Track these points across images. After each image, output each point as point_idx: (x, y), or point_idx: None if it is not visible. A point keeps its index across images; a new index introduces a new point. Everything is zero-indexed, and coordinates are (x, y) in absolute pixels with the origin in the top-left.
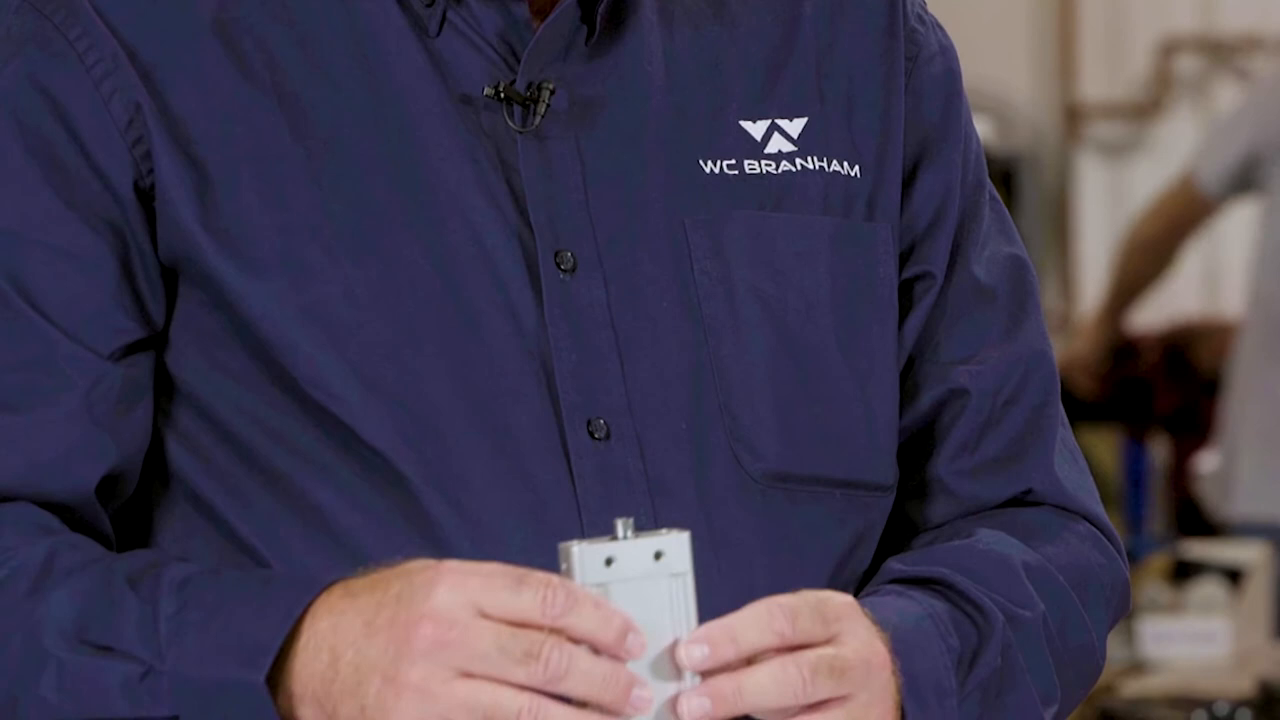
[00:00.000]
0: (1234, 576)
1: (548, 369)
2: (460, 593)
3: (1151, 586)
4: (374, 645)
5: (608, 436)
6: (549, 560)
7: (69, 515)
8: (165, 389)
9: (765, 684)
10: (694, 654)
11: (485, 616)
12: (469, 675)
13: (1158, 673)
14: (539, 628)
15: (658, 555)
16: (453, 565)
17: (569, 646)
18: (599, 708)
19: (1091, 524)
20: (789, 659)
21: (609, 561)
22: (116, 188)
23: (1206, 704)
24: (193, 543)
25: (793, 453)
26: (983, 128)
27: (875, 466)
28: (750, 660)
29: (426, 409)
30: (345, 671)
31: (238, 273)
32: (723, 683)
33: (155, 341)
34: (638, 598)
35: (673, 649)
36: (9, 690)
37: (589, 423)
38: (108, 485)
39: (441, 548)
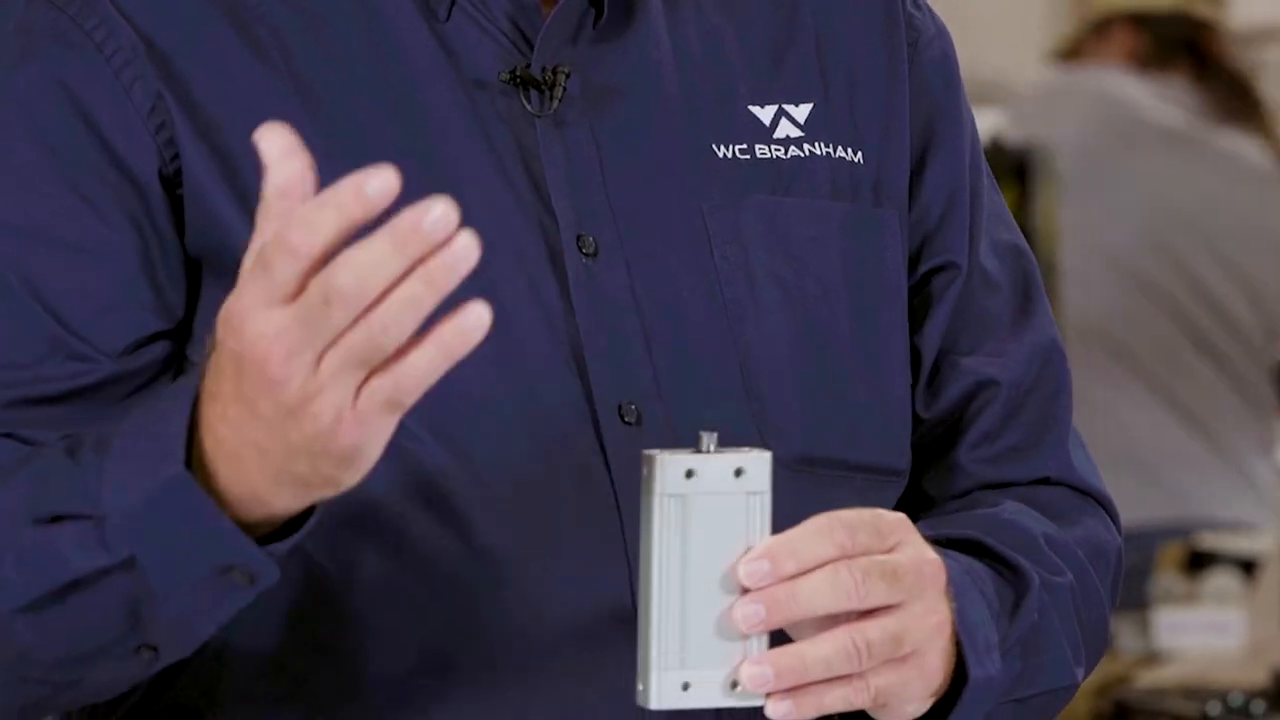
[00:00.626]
0: (1248, 567)
1: (576, 354)
2: (257, 313)
3: (1166, 577)
4: (242, 398)
5: (639, 421)
6: (586, 548)
7: None
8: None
9: (819, 588)
10: (755, 569)
11: (278, 307)
12: (323, 352)
13: (1172, 663)
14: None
15: (738, 472)
16: (234, 306)
17: (341, 257)
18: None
19: (1099, 504)
20: (842, 564)
21: (689, 474)
22: (139, 177)
23: (1221, 694)
24: None
25: (815, 437)
26: (997, 120)
27: (890, 451)
28: None
29: (456, 397)
30: (250, 443)
31: None
32: (777, 590)
33: (176, 333)
34: (714, 512)
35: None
36: None
37: (620, 407)
38: None
39: (476, 536)
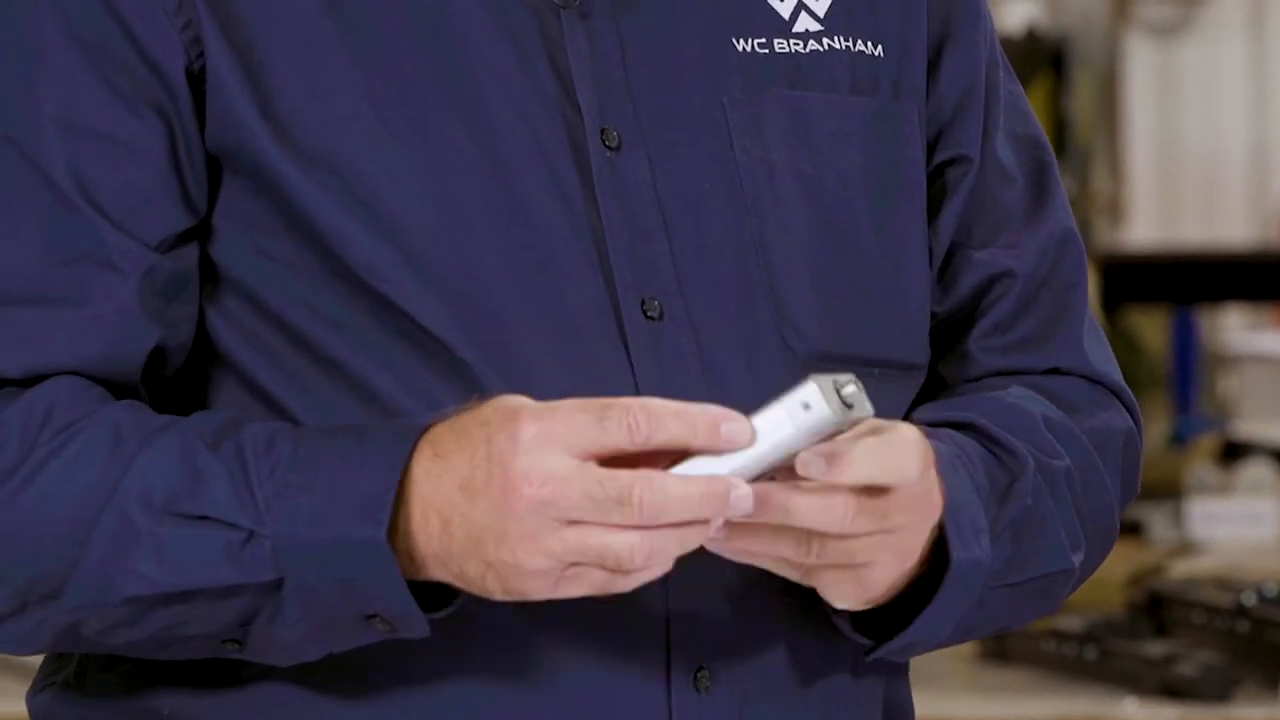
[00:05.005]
0: None
1: (599, 248)
2: (547, 442)
3: (1200, 467)
4: (478, 509)
5: (661, 316)
6: None
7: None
8: (213, 278)
9: (813, 507)
10: (813, 462)
11: (577, 457)
12: (574, 523)
13: (1206, 554)
14: (633, 455)
15: (805, 405)
16: (531, 411)
17: (657, 480)
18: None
19: (1115, 395)
20: (841, 494)
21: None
22: (165, 73)
23: (1255, 585)
24: None
25: (833, 332)
26: (1032, 9)
27: (909, 346)
28: None
29: (482, 294)
30: (459, 535)
31: (288, 160)
32: (777, 492)
33: (200, 230)
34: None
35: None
36: (100, 568)
37: (643, 302)
38: (152, 371)
39: None
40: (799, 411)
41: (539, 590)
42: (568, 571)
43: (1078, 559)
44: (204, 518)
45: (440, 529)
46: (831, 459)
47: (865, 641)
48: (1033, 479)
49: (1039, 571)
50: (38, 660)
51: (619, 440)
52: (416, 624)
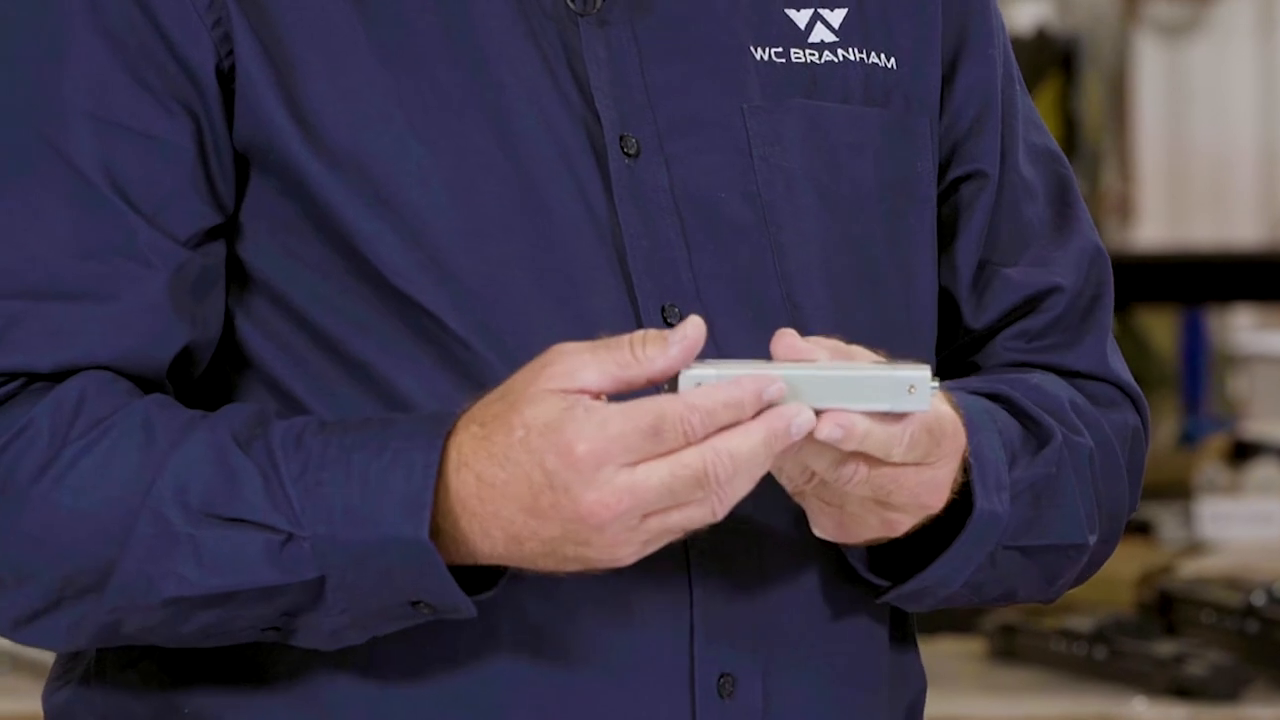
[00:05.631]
0: None
1: (620, 255)
2: (605, 463)
3: (1210, 467)
4: (549, 526)
5: None
6: None
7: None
8: (239, 278)
9: (875, 434)
10: (832, 427)
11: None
12: (654, 512)
13: (1215, 553)
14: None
15: (911, 389)
16: (575, 429)
17: (721, 446)
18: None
19: (1130, 399)
20: (910, 425)
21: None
22: (195, 70)
23: (1265, 585)
24: None
25: (847, 340)
26: (1042, 9)
27: (916, 354)
28: None
29: (507, 299)
30: (531, 545)
31: (316, 161)
32: (857, 421)
33: (226, 228)
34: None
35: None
36: (139, 570)
37: (664, 309)
38: (178, 369)
39: None
40: (901, 391)
41: (624, 563)
42: (649, 544)
43: (1093, 539)
44: (241, 520)
45: (508, 542)
46: (851, 427)
47: (881, 582)
48: (1059, 450)
49: (1055, 540)
50: (49, 657)
51: (676, 446)
52: (464, 608)
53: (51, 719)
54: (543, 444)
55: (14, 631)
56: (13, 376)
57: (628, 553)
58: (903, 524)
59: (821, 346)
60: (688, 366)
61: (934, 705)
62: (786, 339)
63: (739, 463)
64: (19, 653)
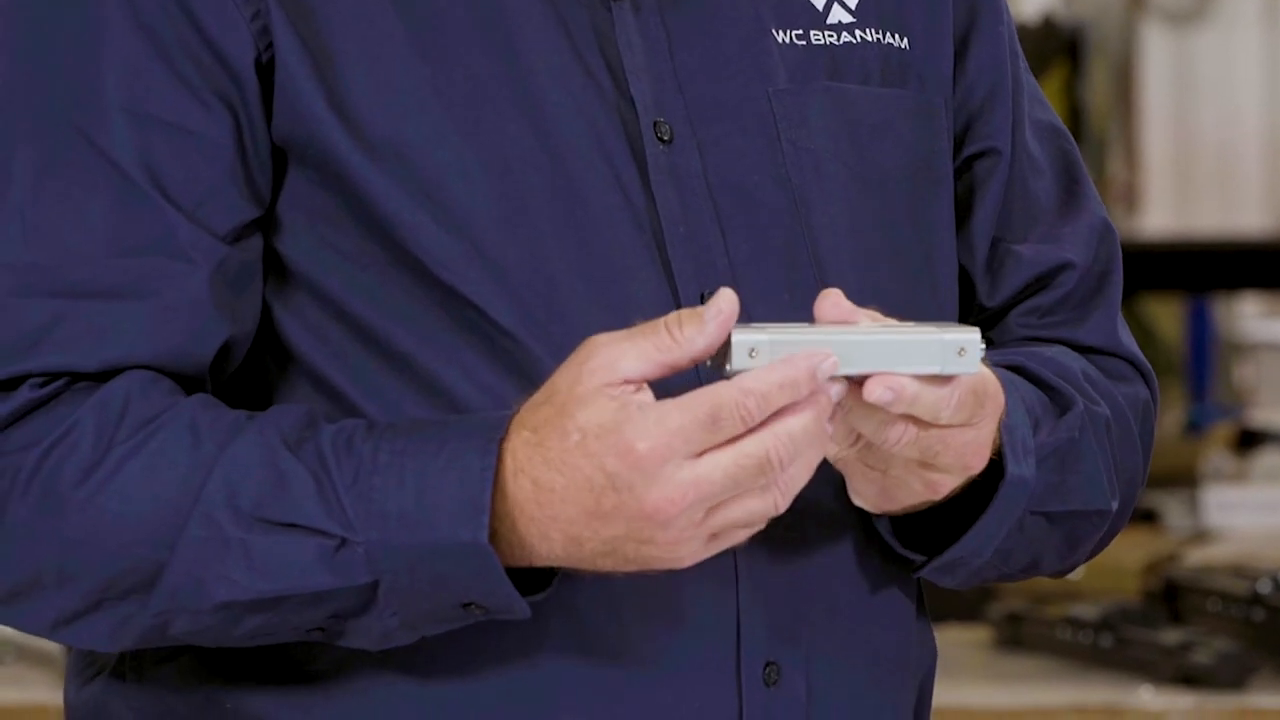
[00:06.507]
0: None
1: (658, 242)
2: (668, 458)
3: (1216, 455)
4: (612, 527)
5: None
6: None
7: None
8: (279, 271)
9: (924, 397)
10: (880, 389)
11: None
12: (717, 505)
13: (1221, 541)
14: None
15: (961, 351)
16: (634, 428)
17: (781, 430)
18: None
19: (1140, 373)
20: (959, 389)
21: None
22: (233, 64)
23: (1271, 573)
24: None
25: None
26: None
27: None
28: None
29: (548, 288)
30: (591, 546)
31: (356, 151)
32: (907, 384)
33: (264, 222)
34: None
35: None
36: (189, 573)
37: (702, 296)
38: (216, 364)
39: None
40: (951, 354)
41: (684, 564)
42: (711, 544)
43: (1114, 504)
44: (292, 525)
45: (566, 543)
46: (902, 390)
47: (916, 557)
48: (1080, 416)
49: (1079, 506)
50: (55, 647)
51: (735, 433)
52: (519, 609)
53: (80, 714)
54: (601, 447)
55: (53, 632)
56: (56, 376)
57: (689, 551)
58: (945, 486)
59: (862, 314)
60: (738, 332)
61: (940, 693)
62: (832, 298)
63: (798, 444)
64: (25, 643)
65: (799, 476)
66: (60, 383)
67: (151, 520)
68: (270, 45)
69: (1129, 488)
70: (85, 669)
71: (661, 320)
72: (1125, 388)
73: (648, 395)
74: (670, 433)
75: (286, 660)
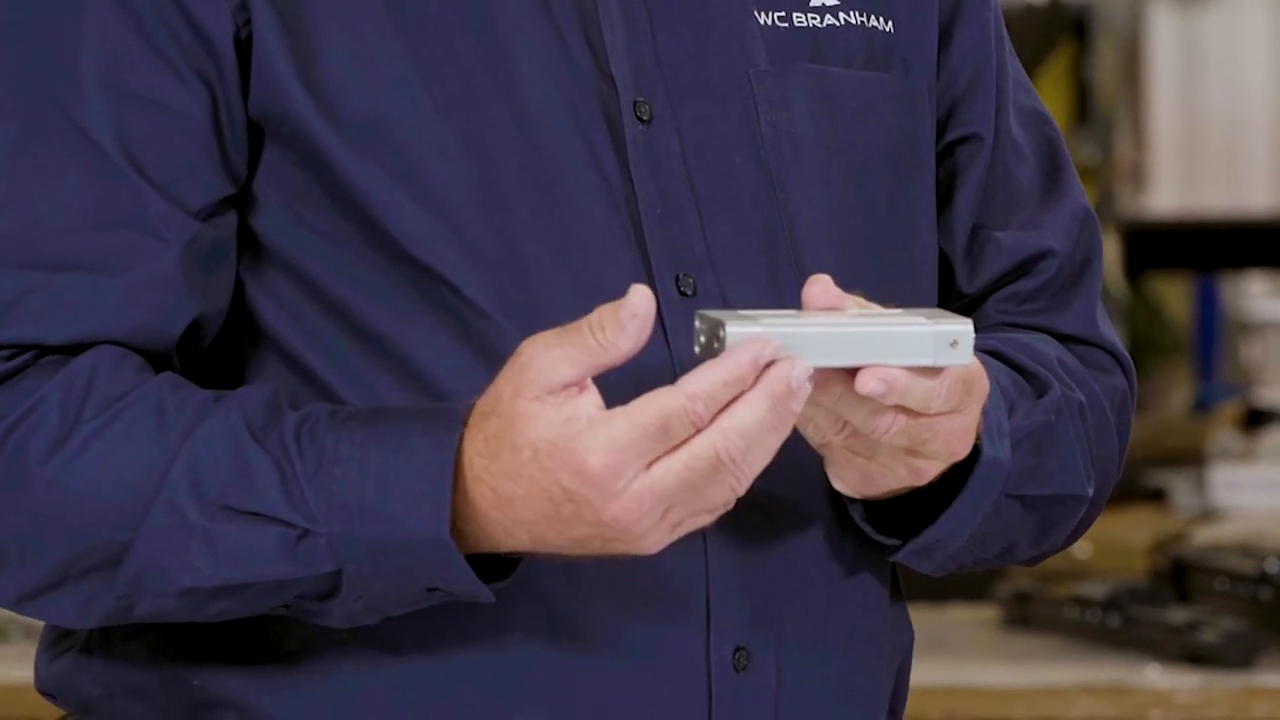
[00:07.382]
0: None
1: (635, 223)
2: (621, 472)
3: (1223, 434)
4: (575, 530)
5: (695, 293)
6: None
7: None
8: (253, 249)
9: (916, 388)
10: (873, 381)
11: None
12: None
13: (1229, 521)
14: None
15: (953, 344)
16: (584, 445)
17: (728, 426)
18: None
19: (1120, 365)
20: (948, 380)
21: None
22: (212, 40)
23: (1278, 552)
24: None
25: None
26: None
27: None
28: None
29: (523, 269)
30: (558, 543)
31: (331, 129)
32: (899, 376)
33: (239, 199)
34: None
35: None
36: (152, 559)
37: (678, 278)
38: (186, 342)
39: None
40: (944, 346)
41: (651, 551)
42: (676, 530)
43: (1090, 490)
44: (255, 514)
45: (533, 541)
46: (894, 381)
47: (890, 541)
48: (1057, 400)
49: (1054, 489)
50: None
51: (686, 437)
52: (483, 595)
53: (50, 687)
54: (553, 464)
55: (19, 606)
56: (23, 349)
57: (654, 541)
58: (930, 471)
59: (850, 299)
60: (732, 324)
61: (947, 673)
62: (821, 283)
63: (750, 438)
64: (31, 622)
65: (756, 464)
66: (28, 355)
67: (115, 502)
68: (249, 22)
69: (1104, 477)
70: (56, 644)
71: (585, 321)
72: (1103, 378)
73: (592, 397)
74: (621, 448)
75: (254, 638)
